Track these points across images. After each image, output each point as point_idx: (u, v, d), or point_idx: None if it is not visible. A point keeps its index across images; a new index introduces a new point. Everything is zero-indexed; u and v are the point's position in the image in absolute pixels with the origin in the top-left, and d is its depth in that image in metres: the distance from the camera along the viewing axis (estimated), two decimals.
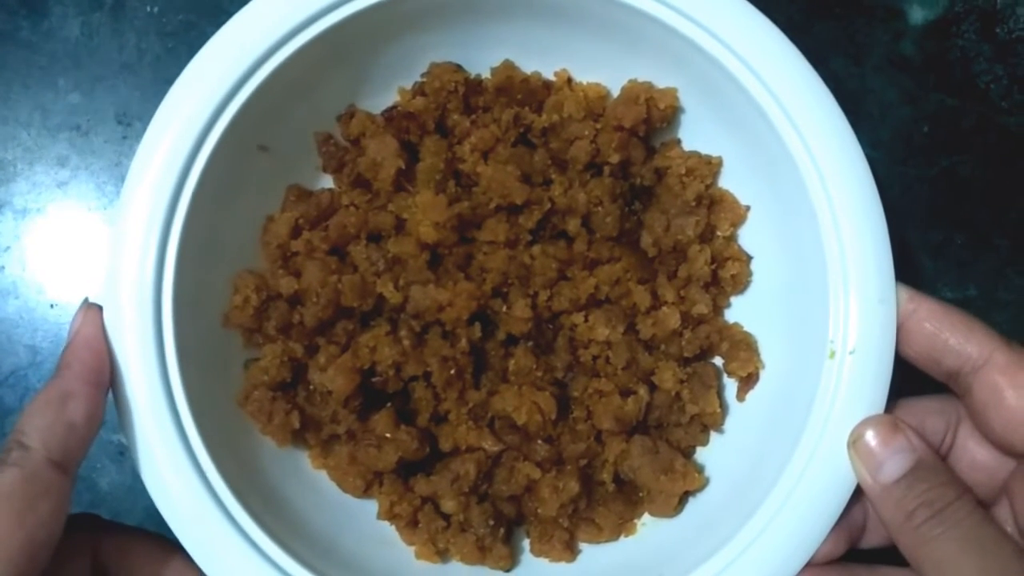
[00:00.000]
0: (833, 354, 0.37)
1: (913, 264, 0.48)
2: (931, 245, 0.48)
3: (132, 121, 0.47)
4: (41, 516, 0.31)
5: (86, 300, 0.37)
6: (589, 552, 0.41)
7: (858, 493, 0.36)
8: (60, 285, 0.47)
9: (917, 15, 0.50)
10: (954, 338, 0.35)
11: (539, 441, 0.40)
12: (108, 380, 0.35)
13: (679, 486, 0.39)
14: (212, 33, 0.39)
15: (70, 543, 0.33)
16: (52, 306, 0.46)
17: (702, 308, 0.41)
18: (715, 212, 0.43)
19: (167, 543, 0.36)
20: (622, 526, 0.41)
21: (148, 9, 0.48)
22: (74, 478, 0.33)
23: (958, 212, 0.49)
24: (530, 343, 0.41)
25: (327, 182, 0.44)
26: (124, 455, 0.45)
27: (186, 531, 0.35)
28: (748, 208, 0.43)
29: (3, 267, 0.47)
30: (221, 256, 0.40)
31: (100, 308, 0.36)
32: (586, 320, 0.41)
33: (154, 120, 0.38)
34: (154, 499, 0.35)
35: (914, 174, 0.49)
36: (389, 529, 0.40)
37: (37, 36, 0.48)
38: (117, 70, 0.48)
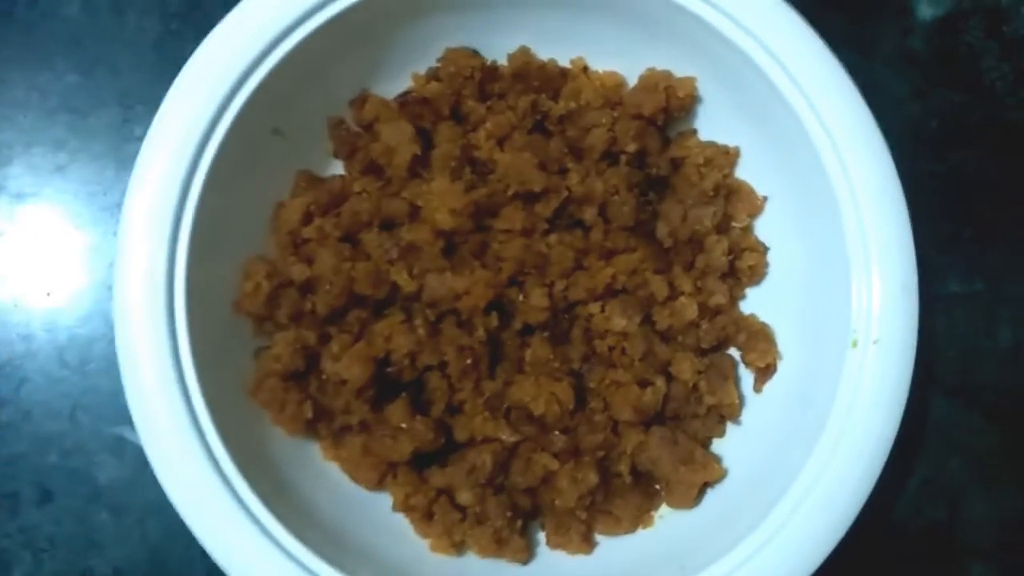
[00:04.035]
0: (856, 343, 0.37)
1: (922, 258, 0.48)
2: (940, 239, 0.48)
3: (133, 104, 0.46)
4: None
5: None
6: (606, 545, 0.40)
7: (882, 481, 0.36)
8: (56, 272, 0.45)
9: (925, 11, 0.50)
10: None
11: (556, 432, 0.40)
12: None
13: (699, 477, 0.39)
14: (218, 15, 0.38)
15: None
16: (48, 294, 0.45)
17: (719, 299, 0.41)
18: (732, 203, 0.43)
19: None
20: (640, 518, 0.40)
21: None
22: None
23: (966, 206, 0.49)
24: (546, 333, 0.41)
25: (337, 168, 0.43)
26: (124, 448, 0.43)
27: (197, 519, 0.35)
28: (765, 198, 0.43)
29: None
30: (231, 242, 0.39)
31: None
32: (603, 310, 0.41)
33: (164, 103, 0.37)
34: (164, 486, 0.35)
35: (923, 169, 0.49)
36: (403, 522, 0.40)
37: (34, 15, 0.47)
38: (118, 51, 0.47)
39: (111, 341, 0.37)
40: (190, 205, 0.37)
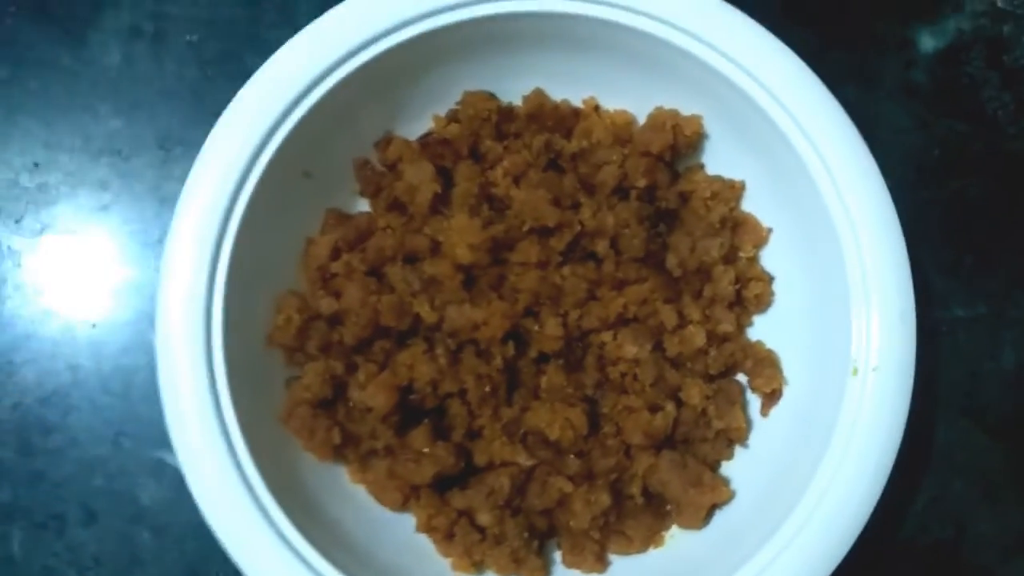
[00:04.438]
0: (856, 371, 0.38)
1: (925, 283, 0.50)
2: (942, 265, 0.50)
3: (172, 146, 0.49)
4: None
5: None
6: (619, 564, 0.42)
7: (889, 501, 0.37)
8: (101, 306, 0.48)
9: (927, 44, 0.52)
10: None
11: (571, 456, 0.42)
12: None
13: (707, 499, 0.41)
14: (250, 62, 0.41)
15: None
16: (93, 326, 0.48)
17: (727, 327, 0.43)
18: (738, 234, 0.44)
19: None
20: (651, 538, 0.42)
21: (187, 38, 0.50)
22: None
23: (967, 233, 0.50)
24: (561, 361, 0.43)
25: (363, 206, 0.45)
26: (164, 471, 0.46)
27: (232, 539, 0.37)
28: (770, 230, 0.44)
29: (45, 289, 0.48)
30: (264, 277, 0.42)
31: None
32: (615, 338, 0.43)
33: (204, 148, 0.39)
34: (201, 508, 0.37)
35: (925, 197, 0.50)
36: (426, 542, 0.42)
37: (78, 64, 0.50)
38: (157, 97, 0.49)
39: (151, 370, 0.39)
40: (227, 242, 0.39)
